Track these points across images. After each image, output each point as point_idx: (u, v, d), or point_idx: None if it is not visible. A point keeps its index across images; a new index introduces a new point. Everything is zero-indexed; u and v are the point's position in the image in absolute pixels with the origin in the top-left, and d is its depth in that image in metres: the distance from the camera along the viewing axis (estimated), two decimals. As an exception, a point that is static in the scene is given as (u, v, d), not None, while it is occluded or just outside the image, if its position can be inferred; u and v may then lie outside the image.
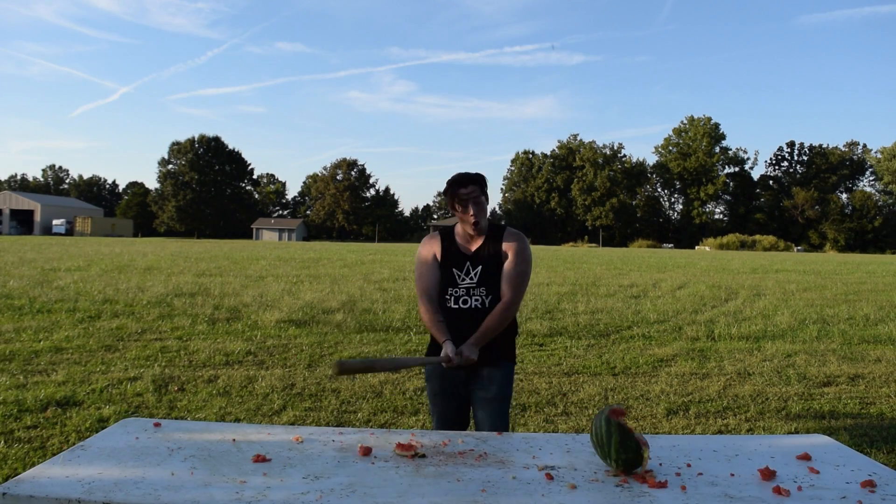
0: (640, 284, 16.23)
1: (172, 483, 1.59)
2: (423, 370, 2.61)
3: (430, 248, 2.79)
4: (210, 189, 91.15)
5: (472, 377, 2.72)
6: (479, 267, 2.70)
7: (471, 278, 2.70)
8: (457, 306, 2.70)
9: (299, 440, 1.98)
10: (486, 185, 2.70)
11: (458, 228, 2.80)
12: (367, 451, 1.87)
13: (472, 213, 2.65)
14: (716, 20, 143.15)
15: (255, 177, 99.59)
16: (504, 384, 2.73)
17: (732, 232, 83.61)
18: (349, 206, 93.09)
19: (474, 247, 2.74)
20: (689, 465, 1.82)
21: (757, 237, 78.36)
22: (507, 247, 2.73)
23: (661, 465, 1.82)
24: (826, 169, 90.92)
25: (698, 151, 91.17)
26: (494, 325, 2.62)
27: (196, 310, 9.70)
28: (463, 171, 2.75)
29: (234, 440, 1.96)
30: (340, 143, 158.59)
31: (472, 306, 2.69)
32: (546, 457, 1.88)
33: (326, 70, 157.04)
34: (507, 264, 2.71)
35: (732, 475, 1.74)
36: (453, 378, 2.72)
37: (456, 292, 2.71)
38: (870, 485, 1.67)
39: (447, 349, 2.51)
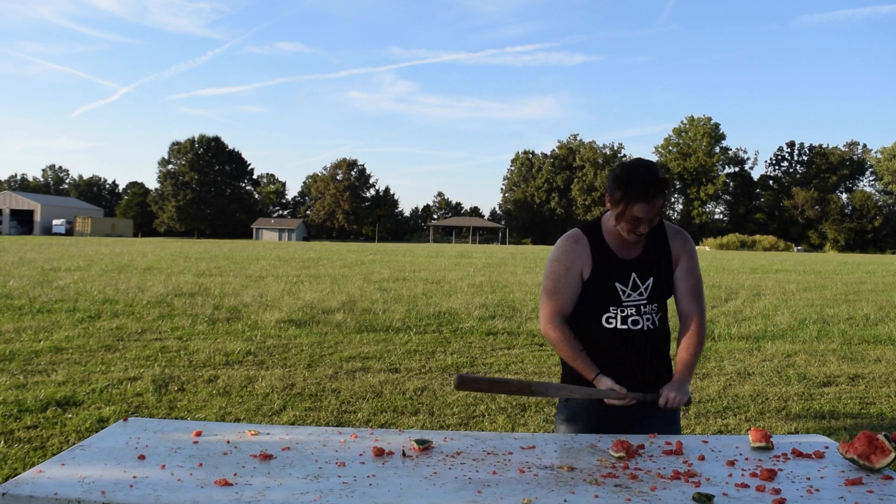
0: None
1: (172, 483, 1.59)
2: (552, 402, 2.07)
3: (575, 254, 2.21)
4: (210, 189, 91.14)
5: (635, 418, 2.21)
6: (651, 278, 2.20)
7: (639, 293, 2.19)
8: (625, 326, 2.18)
9: (298, 441, 1.98)
10: (670, 191, 2.13)
11: (609, 228, 2.25)
12: (366, 452, 1.87)
13: (643, 230, 2.13)
14: (716, 21, 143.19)
15: (255, 177, 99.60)
16: (676, 425, 2.25)
17: (732, 232, 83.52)
18: (349, 206, 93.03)
19: (635, 251, 2.23)
20: (689, 465, 1.82)
21: (757, 237, 78.27)
22: (678, 249, 2.25)
23: (660, 465, 1.82)
24: (826, 169, 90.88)
25: (698, 151, 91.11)
26: (698, 353, 2.18)
27: (196, 310, 9.70)
28: (636, 163, 2.13)
29: (233, 440, 1.96)
30: (340, 143, 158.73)
31: (645, 327, 2.19)
32: (546, 457, 1.88)
33: (327, 70, 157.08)
34: (683, 272, 2.24)
35: (732, 475, 1.74)
36: (611, 422, 2.21)
37: (622, 311, 2.18)
38: (868, 485, 1.67)
39: (607, 384, 2.12)
